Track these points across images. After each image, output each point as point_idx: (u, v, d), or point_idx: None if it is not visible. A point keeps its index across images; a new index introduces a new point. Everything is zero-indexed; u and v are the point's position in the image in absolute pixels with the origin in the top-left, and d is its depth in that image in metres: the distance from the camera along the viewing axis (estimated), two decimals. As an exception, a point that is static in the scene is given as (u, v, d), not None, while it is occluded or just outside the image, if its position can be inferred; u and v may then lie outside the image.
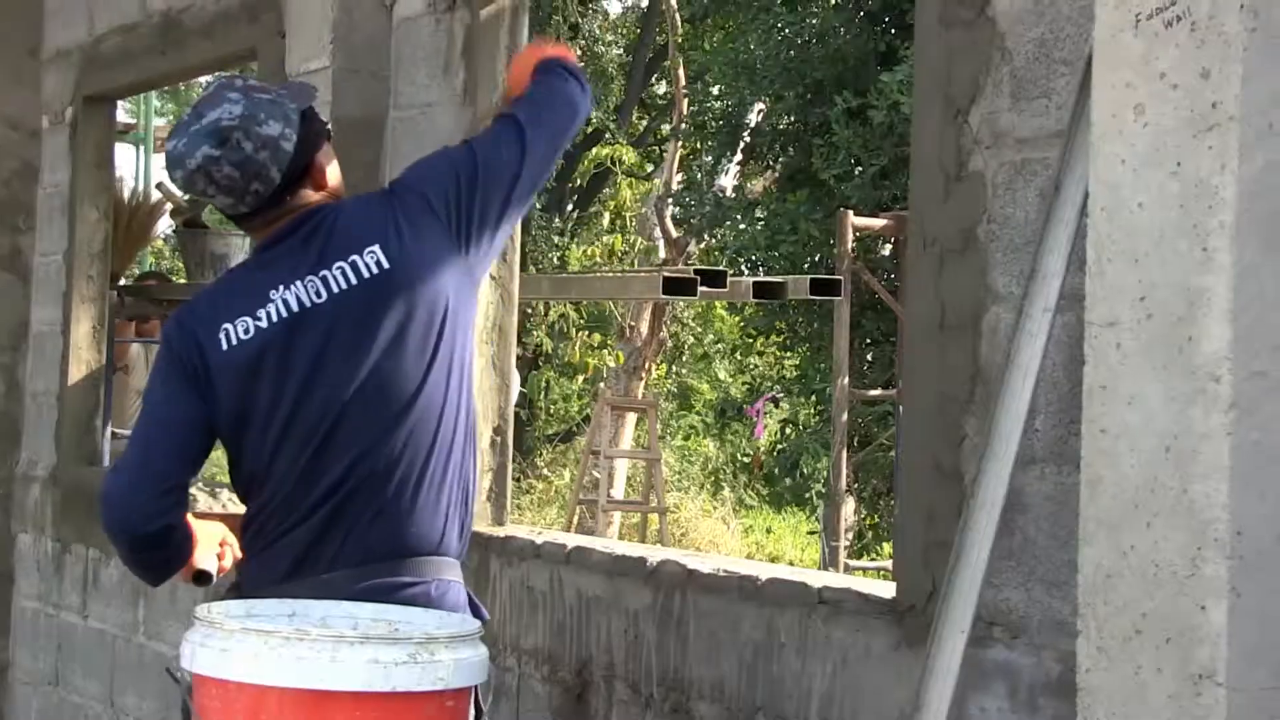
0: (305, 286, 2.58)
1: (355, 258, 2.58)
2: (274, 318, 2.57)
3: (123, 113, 8.04)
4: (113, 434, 5.96)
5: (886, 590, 2.88)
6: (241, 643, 2.18)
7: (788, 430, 13.90)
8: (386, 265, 2.57)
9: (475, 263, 2.67)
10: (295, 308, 2.57)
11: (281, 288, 2.58)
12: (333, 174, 2.71)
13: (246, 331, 2.56)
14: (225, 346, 2.56)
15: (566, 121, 2.81)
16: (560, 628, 3.59)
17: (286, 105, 2.62)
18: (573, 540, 3.71)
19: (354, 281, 2.57)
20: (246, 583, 2.66)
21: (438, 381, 2.59)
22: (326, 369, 2.56)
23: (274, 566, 2.60)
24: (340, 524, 2.57)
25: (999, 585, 2.61)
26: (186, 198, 7.63)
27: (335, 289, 2.57)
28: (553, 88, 2.84)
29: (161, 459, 2.58)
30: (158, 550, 2.61)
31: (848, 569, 8.53)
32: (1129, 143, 2.14)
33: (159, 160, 12.93)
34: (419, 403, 2.57)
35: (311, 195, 2.66)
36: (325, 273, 2.58)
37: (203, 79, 5.79)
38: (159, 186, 7.84)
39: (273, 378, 2.56)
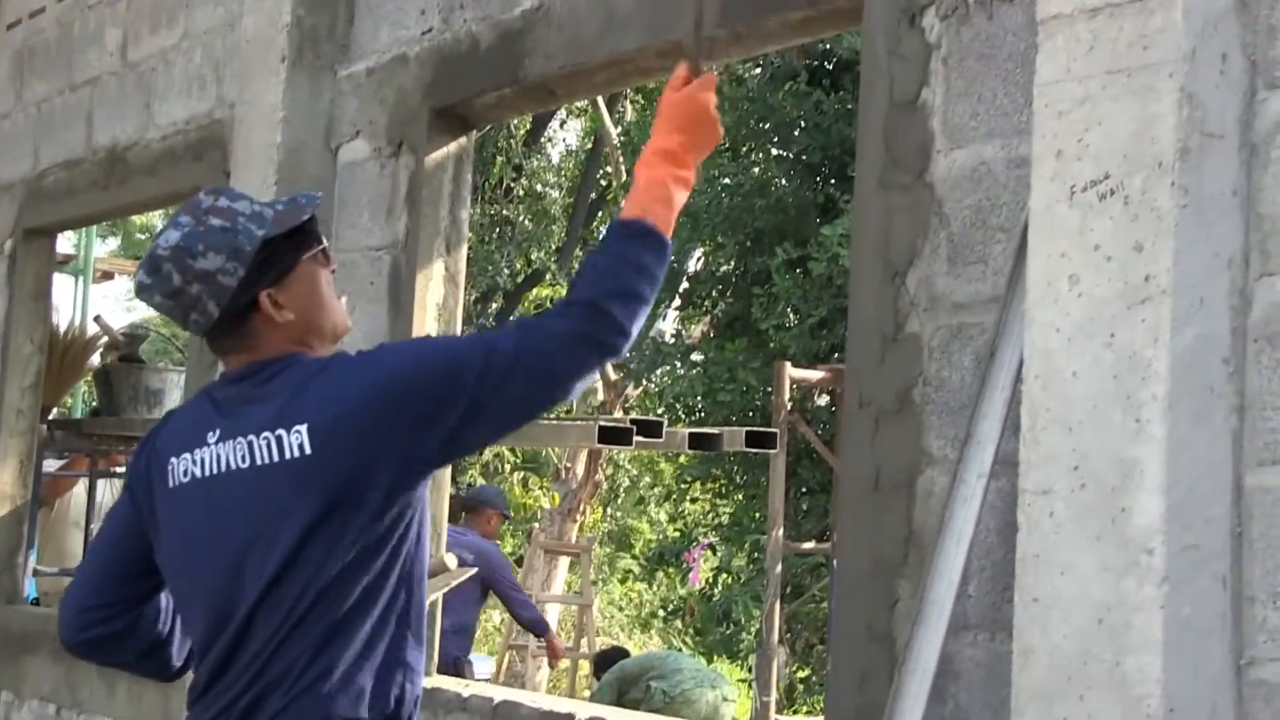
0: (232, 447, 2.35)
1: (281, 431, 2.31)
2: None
3: (63, 243, 7.97)
4: (35, 571, 5.83)
5: (818, 752, 2.84)
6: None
7: (721, 578, 13.82)
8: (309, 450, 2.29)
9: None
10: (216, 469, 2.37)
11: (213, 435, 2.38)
12: (297, 309, 2.38)
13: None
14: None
15: (578, 366, 2.23)
16: (485, 783, 3.50)
17: (240, 235, 2.34)
18: (500, 694, 3.64)
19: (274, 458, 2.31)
20: None
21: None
22: None
23: None
24: None
25: (931, 751, 2.58)
26: (123, 333, 7.56)
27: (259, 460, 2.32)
28: (593, 306, 2.19)
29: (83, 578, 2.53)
30: (93, 659, 2.57)
31: (779, 723, 8.41)
32: (1064, 311, 2.16)
33: (98, 291, 12.85)
34: None
35: (271, 337, 2.38)
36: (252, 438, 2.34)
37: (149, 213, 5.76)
38: (96, 319, 7.75)
39: None
